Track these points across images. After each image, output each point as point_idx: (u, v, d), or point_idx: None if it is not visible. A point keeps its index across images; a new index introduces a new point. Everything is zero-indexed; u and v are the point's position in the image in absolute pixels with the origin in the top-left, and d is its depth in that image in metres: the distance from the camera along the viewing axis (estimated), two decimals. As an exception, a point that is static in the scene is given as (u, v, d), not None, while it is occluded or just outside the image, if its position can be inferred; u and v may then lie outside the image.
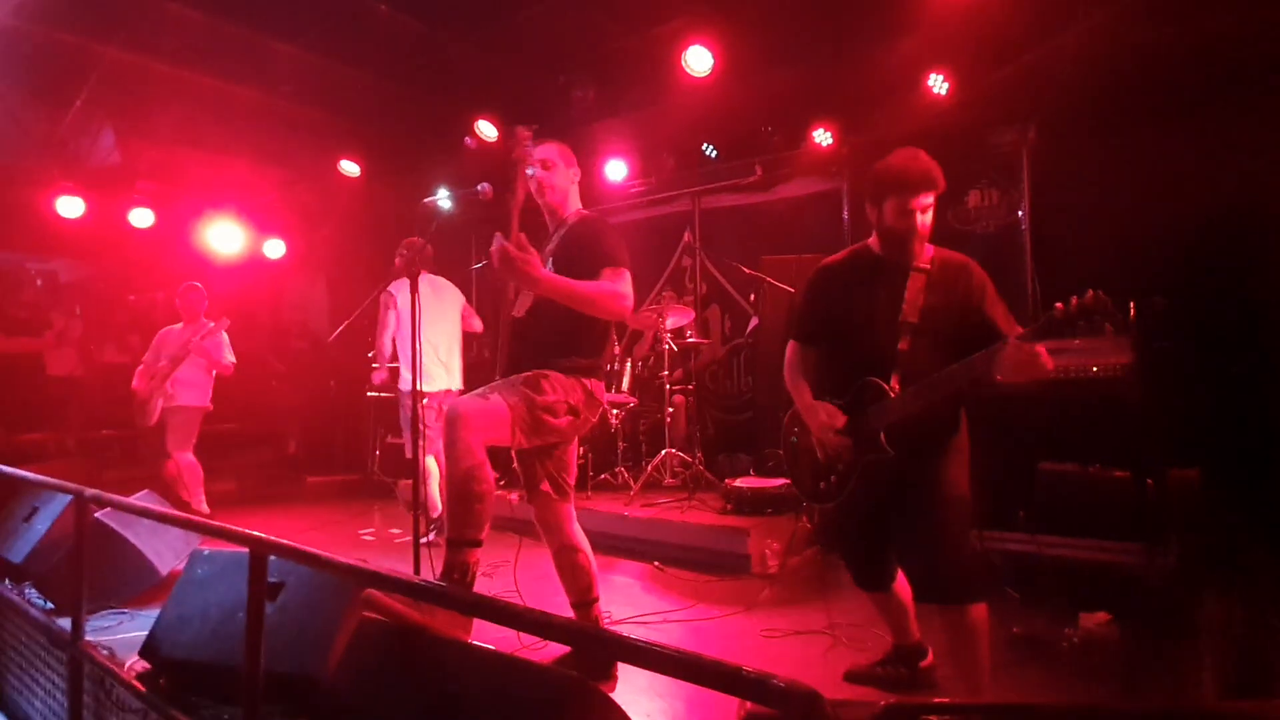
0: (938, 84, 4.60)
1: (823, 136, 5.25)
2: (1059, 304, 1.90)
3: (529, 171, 2.60)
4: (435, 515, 4.78)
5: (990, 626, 2.18)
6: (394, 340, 4.84)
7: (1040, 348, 1.97)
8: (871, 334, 2.27)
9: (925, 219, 2.22)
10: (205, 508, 5.09)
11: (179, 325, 5.27)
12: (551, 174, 2.66)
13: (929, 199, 2.21)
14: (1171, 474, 3.14)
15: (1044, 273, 4.41)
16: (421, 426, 4.22)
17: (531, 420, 2.42)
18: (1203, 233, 3.74)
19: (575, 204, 2.74)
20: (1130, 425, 3.21)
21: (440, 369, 4.70)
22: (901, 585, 2.45)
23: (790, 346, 2.53)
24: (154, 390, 5.05)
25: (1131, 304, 3.32)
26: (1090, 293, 1.85)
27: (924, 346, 2.20)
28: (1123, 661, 2.68)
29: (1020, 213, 4.60)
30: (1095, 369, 3.33)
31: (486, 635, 1.82)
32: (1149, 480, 3.12)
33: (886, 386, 2.22)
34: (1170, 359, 3.34)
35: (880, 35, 4.52)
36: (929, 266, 2.26)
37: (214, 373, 5.19)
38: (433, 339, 4.56)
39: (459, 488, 2.25)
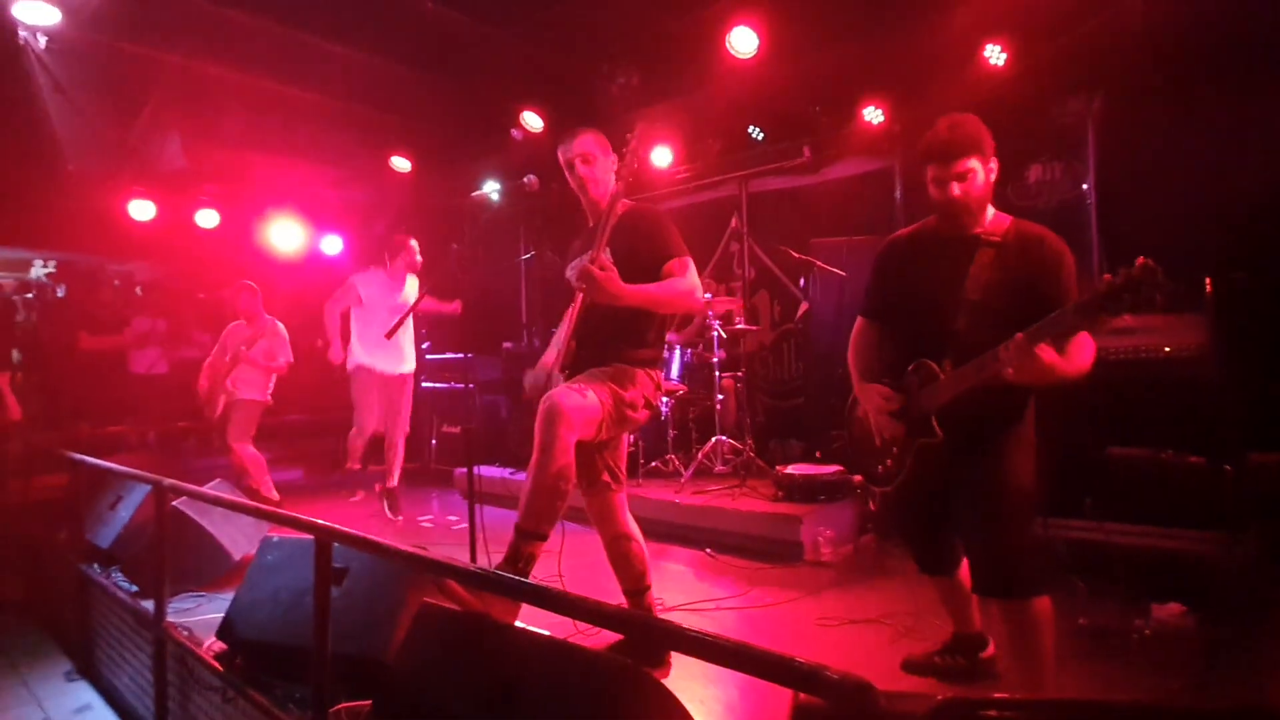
0: (995, 54, 4.42)
1: (873, 114, 5.11)
2: (1107, 275, 1.71)
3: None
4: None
5: (1055, 617, 2.10)
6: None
7: (1042, 349, 1.82)
8: (932, 311, 2.17)
9: (963, 188, 2.07)
10: (275, 494, 5.31)
11: (243, 321, 5.50)
12: (593, 168, 2.60)
13: (962, 166, 2.06)
14: (1252, 459, 2.98)
15: (1111, 249, 4.21)
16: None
17: (617, 416, 2.44)
18: (1285, 204, 3.51)
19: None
20: (1206, 408, 3.05)
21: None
22: (966, 572, 2.38)
23: (857, 322, 2.46)
24: (216, 386, 5.29)
25: (1208, 280, 3.15)
26: (1140, 261, 1.65)
27: (984, 325, 2.04)
28: (1198, 655, 2.57)
29: (1085, 186, 4.40)
30: (1168, 349, 3.18)
31: (539, 621, 1.86)
32: (1227, 466, 2.96)
33: (937, 368, 2.14)
34: (1251, 337, 3.16)
35: (932, 5, 4.36)
36: (1001, 239, 2.11)
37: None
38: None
39: (550, 483, 2.24)
